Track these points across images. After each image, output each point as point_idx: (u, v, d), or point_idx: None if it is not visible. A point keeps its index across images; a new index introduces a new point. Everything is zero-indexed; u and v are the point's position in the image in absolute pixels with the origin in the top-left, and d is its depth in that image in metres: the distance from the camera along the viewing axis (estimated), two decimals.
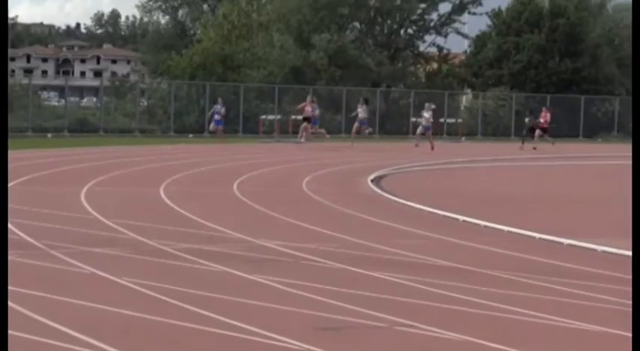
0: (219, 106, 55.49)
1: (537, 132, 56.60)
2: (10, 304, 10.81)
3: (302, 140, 53.83)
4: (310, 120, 54.39)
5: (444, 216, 21.52)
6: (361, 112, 53.61)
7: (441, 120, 75.00)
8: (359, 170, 34.38)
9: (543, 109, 58.95)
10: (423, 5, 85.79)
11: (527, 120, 58.72)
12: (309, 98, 55.66)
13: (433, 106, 52.84)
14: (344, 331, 10.28)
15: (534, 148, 54.66)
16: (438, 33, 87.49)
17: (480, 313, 11.34)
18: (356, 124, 53.84)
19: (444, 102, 74.83)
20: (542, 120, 57.03)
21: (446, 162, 42.62)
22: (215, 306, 11.05)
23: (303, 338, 9.73)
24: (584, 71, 78.51)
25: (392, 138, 67.27)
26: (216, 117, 55.41)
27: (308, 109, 54.13)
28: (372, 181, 30.35)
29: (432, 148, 48.92)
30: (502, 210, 23.55)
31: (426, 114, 51.08)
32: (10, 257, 14.11)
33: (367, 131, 56.25)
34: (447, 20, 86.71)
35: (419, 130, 52.01)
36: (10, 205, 15.74)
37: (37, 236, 15.94)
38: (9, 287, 11.52)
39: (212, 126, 56.54)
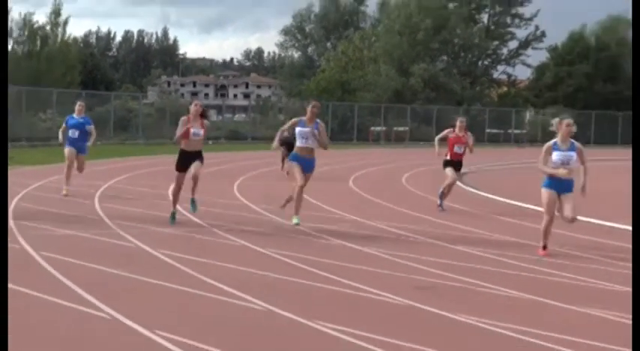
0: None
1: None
2: (181, 266, 10.96)
3: None
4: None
5: (509, 204, 21.43)
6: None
7: (509, 131, 74.61)
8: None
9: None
10: (496, 42, 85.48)
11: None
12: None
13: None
14: (437, 290, 10.31)
15: None
16: (508, 63, 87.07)
17: (514, 273, 11.30)
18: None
19: (511, 118, 74.73)
20: None
21: (515, 162, 41.99)
22: (336, 270, 11.12)
23: (406, 295, 9.76)
24: (622, 93, 77.40)
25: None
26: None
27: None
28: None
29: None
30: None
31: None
32: (180, 232, 14.34)
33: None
34: (515, 54, 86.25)
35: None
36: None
37: (201, 217, 16.11)
38: (182, 255, 11.70)
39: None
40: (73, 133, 19.69)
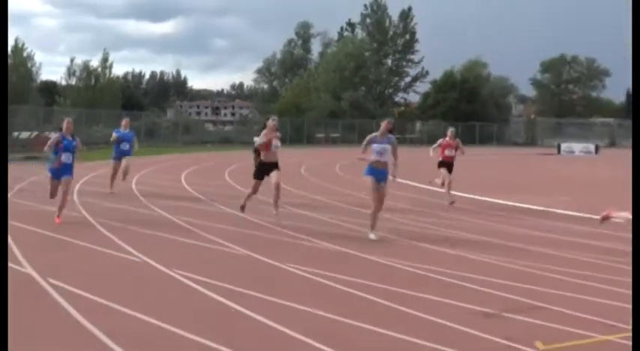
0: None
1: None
2: (192, 229, 11.01)
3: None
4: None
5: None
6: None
7: (406, 136, 75.15)
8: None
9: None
10: (396, 78, 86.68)
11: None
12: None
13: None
14: (273, 244, 10.27)
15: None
16: (404, 92, 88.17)
17: (341, 232, 11.47)
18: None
19: (407, 127, 75.65)
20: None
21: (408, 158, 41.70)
22: (205, 228, 11.24)
23: (247, 247, 9.85)
24: (478, 111, 78.27)
25: None
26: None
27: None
28: None
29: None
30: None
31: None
32: (185, 204, 14.33)
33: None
34: (409, 85, 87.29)
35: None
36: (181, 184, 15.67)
37: (202, 193, 16.19)
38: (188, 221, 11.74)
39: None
40: (124, 146, 16.41)
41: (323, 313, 6.19)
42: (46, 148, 11.85)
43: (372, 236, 10.49)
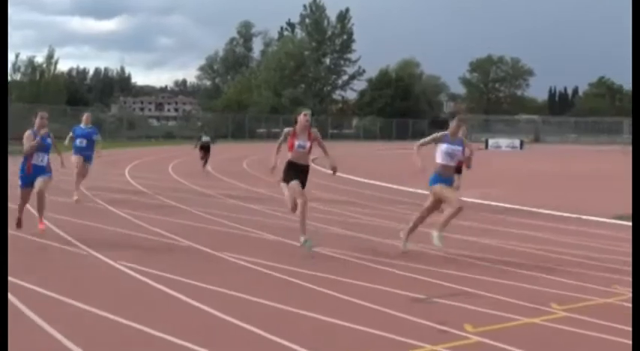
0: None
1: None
2: (135, 221, 10.84)
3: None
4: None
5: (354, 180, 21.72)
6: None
7: (344, 131, 75.55)
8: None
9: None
10: (335, 76, 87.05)
11: None
12: None
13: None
14: (208, 234, 10.32)
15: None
16: (342, 89, 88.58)
17: (271, 221, 11.50)
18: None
19: (344, 124, 76.11)
20: None
21: (348, 152, 41.92)
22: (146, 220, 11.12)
23: (185, 236, 9.79)
24: (411, 107, 79.12)
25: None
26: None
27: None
28: (312, 160, 30.29)
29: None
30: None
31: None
32: (129, 197, 14.11)
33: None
34: (346, 83, 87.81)
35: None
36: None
37: (146, 187, 15.92)
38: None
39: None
40: (81, 143, 13.91)
41: (263, 300, 6.16)
42: (27, 150, 9.38)
43: (437, 242, 8.41)
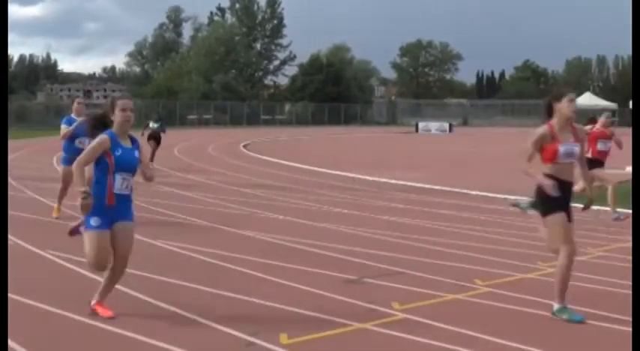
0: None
1: None
2: (62, 209, 10.61)
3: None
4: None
5: (266, 160, 21.79)
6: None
7: (276, 117, 75.53)
8: (235, 142, 34.20)
9: None
10: (266, 61, 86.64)
11: None
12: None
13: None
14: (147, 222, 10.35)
15: None
16: (274, 74, 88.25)
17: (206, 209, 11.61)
18: None
19: (277, 109, 76.05)
20: None
21: (279, 137, 42.18)
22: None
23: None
24: (343, 93, 79.44)
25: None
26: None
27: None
28: (244, 146, 30.26)
29: None
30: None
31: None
32: (56, 185, 13.85)
33: None
34: (278, 68, 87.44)
35: None
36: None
37: None
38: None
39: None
40: (81, 144, 9.28)
41: (195, 285, 6.21)
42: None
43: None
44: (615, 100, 71.64)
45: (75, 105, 10.26)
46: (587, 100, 62.37)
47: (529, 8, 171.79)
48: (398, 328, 5.09)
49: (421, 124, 60.36)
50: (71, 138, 9.88)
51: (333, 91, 78.67)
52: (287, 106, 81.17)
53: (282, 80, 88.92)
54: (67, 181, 9.63)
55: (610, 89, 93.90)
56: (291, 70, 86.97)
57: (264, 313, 5.47)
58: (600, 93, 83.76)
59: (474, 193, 13.88)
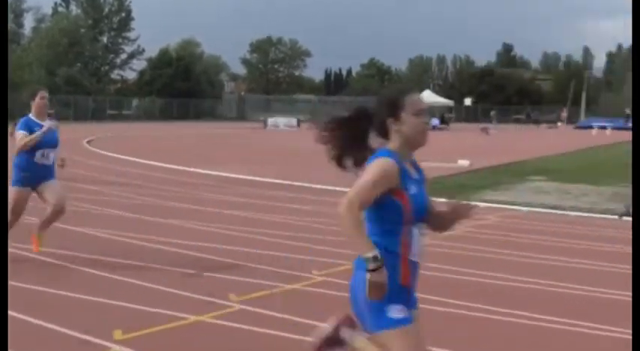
0: None
1: None
2: None
3: None
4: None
5: (116, 157, 21.30)
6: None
7: (124, 112, 73.51)
8: (78, 138, 32.94)
9: None
10: (112, 55, 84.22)
11: None
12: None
13: None
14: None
15: None
16: (121, 68, 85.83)
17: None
18: None
19: (123, 105, 74.29)
20: None
21: (124, 133, 40.94)
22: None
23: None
24: (193, 87, 78.44)
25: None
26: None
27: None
28: (87, 142, 29.30)
29: None
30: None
31: None
32: None
33: None
34: (125, 62, 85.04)
35: None
36: None
37: None
38: None
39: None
40: (45, 157, 7.23)
41: (29, 285, 6.07)
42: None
43: None
44: (452, 97, 75.55)
45: (37, 100, 7.46)
46: (427, 96, 65.35)
47: (374, 8, 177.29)
48: (233, 318, 5.25)
49: (270, 120, 60.75)
50: (32, 150, 7.15)
51: (183, 86, 77.57)
52: (134, 102, 79.22)
53: (130, 75, 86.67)
54: (18, 212, 7.19)
55: (448, 87, 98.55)
56: (139, 64, 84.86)
57: (100, 310, 5.44)
58: (439, 91, 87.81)
59: (317, 186, 14.23)
